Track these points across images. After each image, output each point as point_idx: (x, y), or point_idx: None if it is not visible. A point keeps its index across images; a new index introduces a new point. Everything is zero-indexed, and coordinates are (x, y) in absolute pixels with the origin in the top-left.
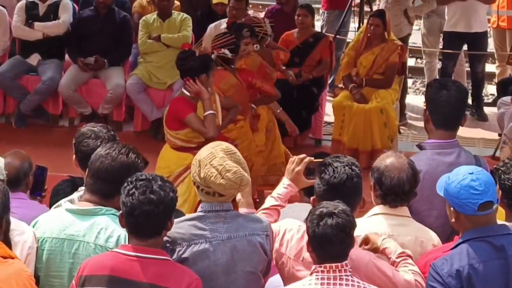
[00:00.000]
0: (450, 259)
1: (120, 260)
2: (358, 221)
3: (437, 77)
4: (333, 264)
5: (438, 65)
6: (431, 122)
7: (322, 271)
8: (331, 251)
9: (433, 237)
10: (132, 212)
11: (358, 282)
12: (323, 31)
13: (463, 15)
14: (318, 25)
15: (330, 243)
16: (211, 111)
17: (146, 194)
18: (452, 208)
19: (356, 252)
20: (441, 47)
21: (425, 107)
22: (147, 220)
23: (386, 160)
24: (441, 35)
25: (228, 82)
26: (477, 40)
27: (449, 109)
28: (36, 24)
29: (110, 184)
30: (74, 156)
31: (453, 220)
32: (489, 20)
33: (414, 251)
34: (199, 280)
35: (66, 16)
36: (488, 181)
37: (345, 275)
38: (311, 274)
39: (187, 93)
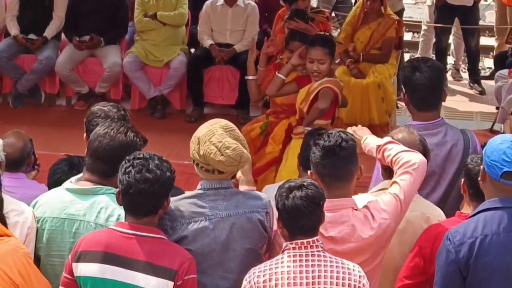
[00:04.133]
0: (465, 228)
1: (115, 237)
2: (365, 195)
3: (431, 50)
4: (304, 240)
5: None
6: (411, 105)
7: (293, 248)
8: (302, 224)
9: (440, 214)
10: (127, 190)
11: (330, 257)
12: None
13: None
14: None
15: (301, 215)
16: (282, 76)
17: (142, 173)
18: (482, 167)
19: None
20: None
21: (403, 91)
22: (143, 199)
23: (398, 134)
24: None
25: None
26: (467, 14)
27: (425, 91)
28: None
29: (109, 163)
30: (85, 134)
31: (479, 179)
32: None
33: (420, 226)
34: (193, 259)
35: (61, 8)
36: None
37: (317, 251)
38: (282, 252)
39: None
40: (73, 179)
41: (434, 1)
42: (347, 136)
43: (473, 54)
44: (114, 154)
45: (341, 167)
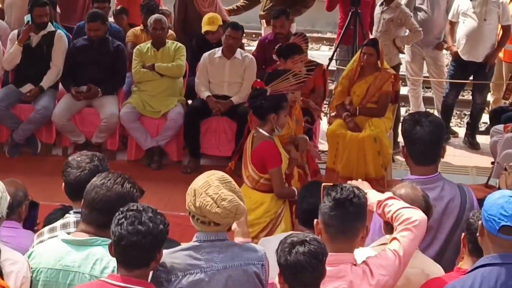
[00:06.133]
0: (462, 284)
1: None
2: (365, 250)
3: (422, 104)
4: None
5: (423, 92)
6: (410, 159)
7: None
8: (304, 280)
9: (440, 271)
10: (119, 242)
11: None
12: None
13: (467, 43)
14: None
15: (303, 271)
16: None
17: (134, 225)
18: (480, 222)
19: None
20: (425, 74)
21: (402, 144)
22: (134, 251)
23: (401, 190)
24: (424, 62)
25: None
26: (480, 70)
27: (425, 145)
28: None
29: (106, 214)
30: (63, 184)
31: (477, 234)
32: None
33: (419, 284)
34: None
35: (59, 58)
36: None
37: None
38: None
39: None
40: (54, 225)
41: (412, 57)
42: (360, 193)
43: (477, 110)
44: (110, 205)
45: (348, 222)
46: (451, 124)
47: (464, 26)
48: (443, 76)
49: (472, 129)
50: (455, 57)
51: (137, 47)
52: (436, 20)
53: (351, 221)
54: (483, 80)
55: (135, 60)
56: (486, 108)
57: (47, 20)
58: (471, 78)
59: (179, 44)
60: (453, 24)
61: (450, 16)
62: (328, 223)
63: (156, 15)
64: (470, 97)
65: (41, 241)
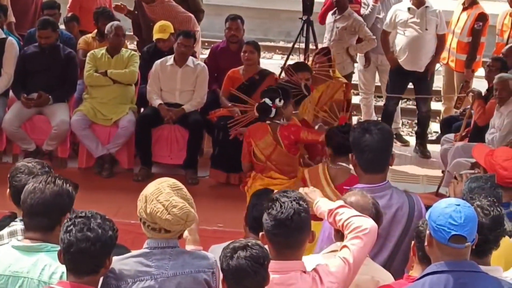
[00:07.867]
0: None
1: None
2: (315, 257)
3: (373, 114)
4: None
5: (374, 101)
6: (359, 167)
7: None
8: (247, 285)
9: (390, 278)
10: (68, 249)
11: None
12: None
13: (410, 53)
14: None
15: (245, 276)
16: None
17: (83, 232)
18: (428, 232)
19: None
20: (377, 84)
21: (351, 153)
22: (83, 258)
23: (351, 197)
24: (377, 71)
25: (265, 141)
26: (420, 79)
27: (373, 153)
28: None
29: (47, 215)
30: (8, 190)
31: (426, 244)
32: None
33: None
34: None
35: (10, 66)
36: (470, 218)
37: None
38: None
39: None
40: (1, 232)
41: (366, 65)
42: (300, 207)
43: (423, 119)
44: (49, 205)
45: (292, 237)
46: (402, 133)
47: (405, 37)
48: None
49: (422, 137)
50: (394, 65)
51: (92, 51)
52: None
53: (294, 236)
54: (425, 88)
55: (88, 64)
56: (437, 117)
57: None
58: (410, 85)
59: (133, 51)
60: (386, 34)
61: (385, 26)
62: (272, 240)
63: (116, 22)
64: None
65: None
